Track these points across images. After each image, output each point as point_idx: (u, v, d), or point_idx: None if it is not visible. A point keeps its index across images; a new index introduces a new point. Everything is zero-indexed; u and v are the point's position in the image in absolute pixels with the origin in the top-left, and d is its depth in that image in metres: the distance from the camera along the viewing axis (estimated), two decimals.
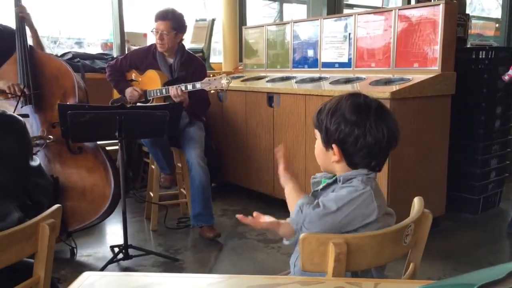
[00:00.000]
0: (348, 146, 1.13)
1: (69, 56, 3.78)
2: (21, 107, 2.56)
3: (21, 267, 1.06)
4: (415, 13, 2.89)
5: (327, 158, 1.19)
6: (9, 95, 2.35)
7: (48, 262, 1.07)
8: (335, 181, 1.18)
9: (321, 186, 1.22)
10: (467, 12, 4.55)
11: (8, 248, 0.96)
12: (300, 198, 1.16)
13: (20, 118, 1.13)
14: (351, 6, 6.11)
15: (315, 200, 1.15)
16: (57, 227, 1.08)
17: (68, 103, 2.58)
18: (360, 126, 1.12)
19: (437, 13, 2.77)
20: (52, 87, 2.70)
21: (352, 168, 1.16)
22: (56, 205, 1.08)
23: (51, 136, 2.49)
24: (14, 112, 1.09)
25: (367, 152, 1.13)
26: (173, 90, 2.84)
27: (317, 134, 1.20)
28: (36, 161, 1.18)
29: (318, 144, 1.21)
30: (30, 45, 2.71)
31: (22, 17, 2.69)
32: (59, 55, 3.82)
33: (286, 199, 1.23)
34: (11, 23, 2.75)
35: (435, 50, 2.80)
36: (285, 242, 1.20)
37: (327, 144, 1.17)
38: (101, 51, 4.44)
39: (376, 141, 1.12)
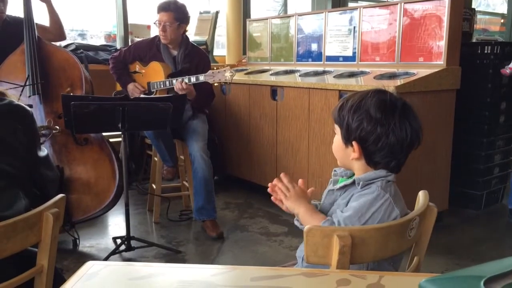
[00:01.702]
0: (369, 144, 1.11)
1: (73, 47, 3.78)
2: (29, 96, 2.57)
3: (27, 256, 1.06)
4: (421, 7, 2.86)
5: (345, 155, 1.16)
6: (13, 85, 2.35)
7: (51, 251, 1.07)
8: (353, 183, 1.15)
9: (337, 186, 1.19)
10: (472, 7, 4.52)
11: (13, 237, 0.96)
12: (319, 222, 1.11)
13: (28, 108, 1.13)
14: None
15: (332, 215, 1.12)
16: (61, 217, 1.07)
17: (72, 94, 2.58)
18: (384, 125, 1.09)
19: (443, 7, 2.75)
20: (59, 79, 2.70)
21: (371, 167, 1.14)
22: (60, 195, 1.08)
23: (57, 127, 2.49)
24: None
25: (388, 151, 1.11)
26: (177, 83, 2.83)
27: (337, 129, 1.17)
28: (44, 151, 1.18)
29: (337, 139, 1.17)
30: (38, 36, 2.71)
31: None
32: (62, 46, 3.82)
33: (302, 222, 1.17)
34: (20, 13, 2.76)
35: (440, 44, 2.78)
36: (299, 225, 1.18)
37: (347, 141, 1.14)
38: (104, 43, 4.43)
39: (398, 141, 1.10)
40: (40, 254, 1.07)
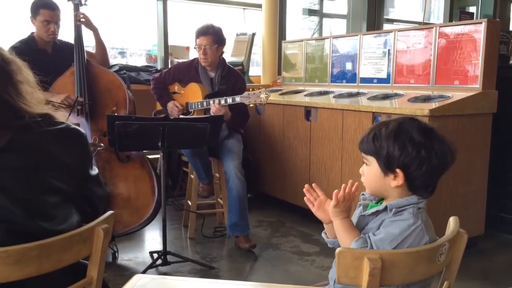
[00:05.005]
0: (413, 170, 1.12)
1: (116, 68, 3.97)
2: (77, 115, 2.74)
3: (79, 267, 1.15)
4: (457, 31, 2.88)
5: (385, 184, 1.16)
6: (63, 106, 2.52)
7: (100, 264, 1.16)
8: (384, 208, 1.16)
9: (369, 212, 1.20)
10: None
11: (68, 249, 1.05)
12: (352, 240, 1.14)
13: (82, 131, 1.23)
14: (391, 21, 6.10)
15: (365, 235, 1.15)
16: (110, 232, 1.16)
17: (116, 114, 2.73)
18: (428, 148, 1.11)
19: (479, 31, 2.75)
20: (105, 99, 2.88)
21: (411, 191, 1.16)
22: (110, 212, 1.18)
23: (102, 144, 2.64)
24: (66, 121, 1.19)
25: (430, 174, 1.13)
26: (213, 104, 2.94)
27: (371, 160, 1.17)
28: (95, 170, 1.28)
29: (372, 170, 1.17)
30: (87, 59, 2.90)
31: (80, 22, 2.90)
32: None
33: (336, 233, 1.20)
34: (70, 38, 2.96)
35: (476, 68, 2.77)
36: (326, 238, 1.22)
37: (388, 169, 1.14)
38: (145, 63, 4.62)
39: (439, 163, 1.12)
40: (91, 266, 1.15)
